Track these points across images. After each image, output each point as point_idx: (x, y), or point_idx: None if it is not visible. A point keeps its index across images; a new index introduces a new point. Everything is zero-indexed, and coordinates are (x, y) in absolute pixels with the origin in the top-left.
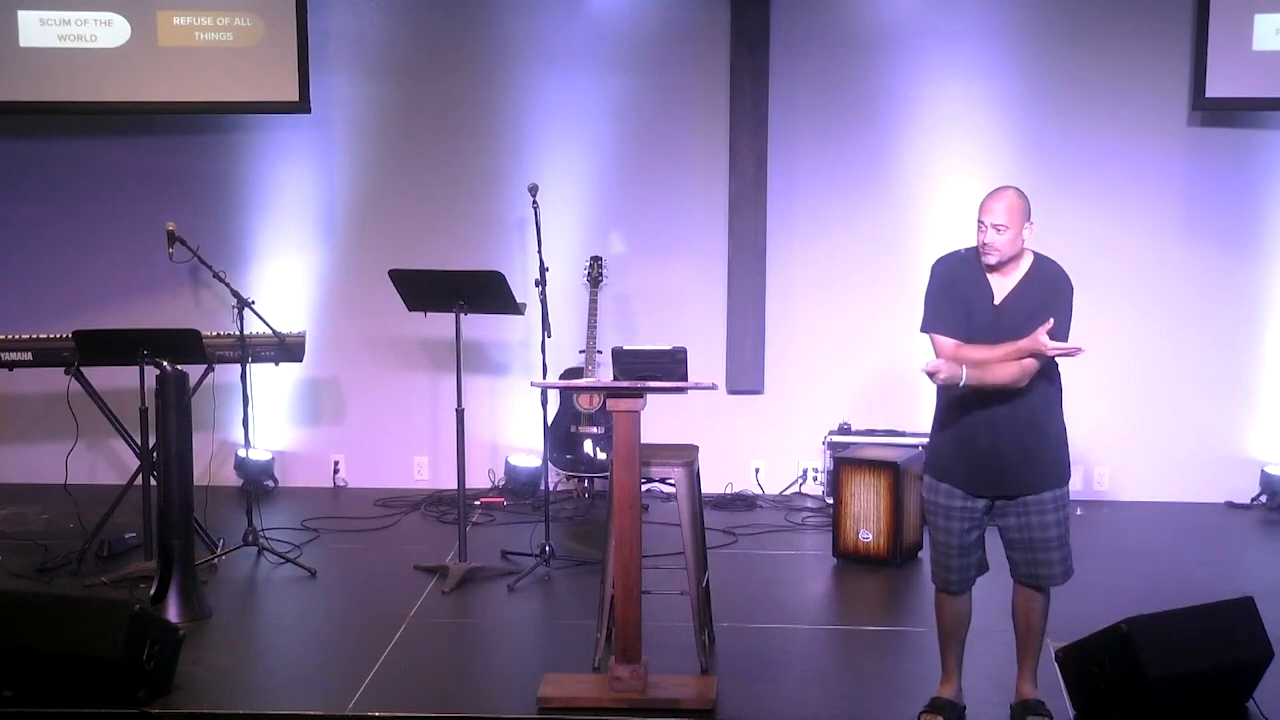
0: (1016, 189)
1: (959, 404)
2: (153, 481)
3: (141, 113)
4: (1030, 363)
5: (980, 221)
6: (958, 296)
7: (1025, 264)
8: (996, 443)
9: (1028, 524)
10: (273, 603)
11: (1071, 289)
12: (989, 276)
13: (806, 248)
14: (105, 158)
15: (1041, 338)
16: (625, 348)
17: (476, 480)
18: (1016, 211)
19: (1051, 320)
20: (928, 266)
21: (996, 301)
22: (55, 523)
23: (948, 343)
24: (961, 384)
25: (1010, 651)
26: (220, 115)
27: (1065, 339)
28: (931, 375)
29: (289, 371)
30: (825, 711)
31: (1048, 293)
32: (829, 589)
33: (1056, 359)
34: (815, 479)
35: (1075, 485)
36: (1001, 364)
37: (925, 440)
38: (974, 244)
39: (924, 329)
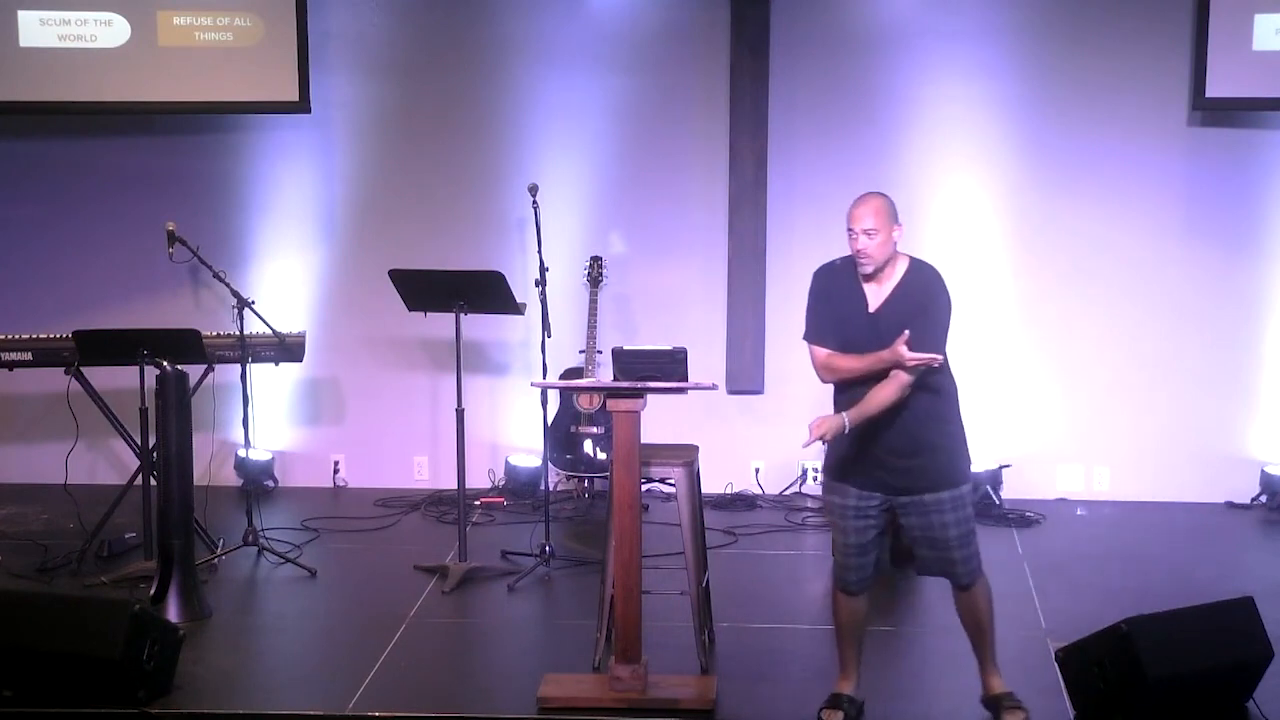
0: (881, 194)
1: (851, 407)
2: (153, 481)
3: (141, 113)
4: (903, 376)
5: (850, 230)
6: (832, 307)
7: (900, 270)
8: (888, 442)
9: (928, 523)
10: (273, 603)
11: (945, 293)
12: (865, 285)
13: (806, 248)
14: (105, 158)
15: (900, 349)
16: (625, 348)
17: (476, 480)
18: (884, 215)
19: (908, 332)
20: None
21: (871, 310)
22: (55, 523)
23: (821, 352)
24: (847, 430)
25: (1008, 650)
26: (220, 115)
27: (938, 345)
28: (822, 440)
29: (289, 371)
30: None
31: (922, 298)
32: (829, 589)
33: (948, 363)
34: (815, 479)
35: (1075, 485)
36: (878, 392)
37: None
38: (849, 253)
39: (804, 338)
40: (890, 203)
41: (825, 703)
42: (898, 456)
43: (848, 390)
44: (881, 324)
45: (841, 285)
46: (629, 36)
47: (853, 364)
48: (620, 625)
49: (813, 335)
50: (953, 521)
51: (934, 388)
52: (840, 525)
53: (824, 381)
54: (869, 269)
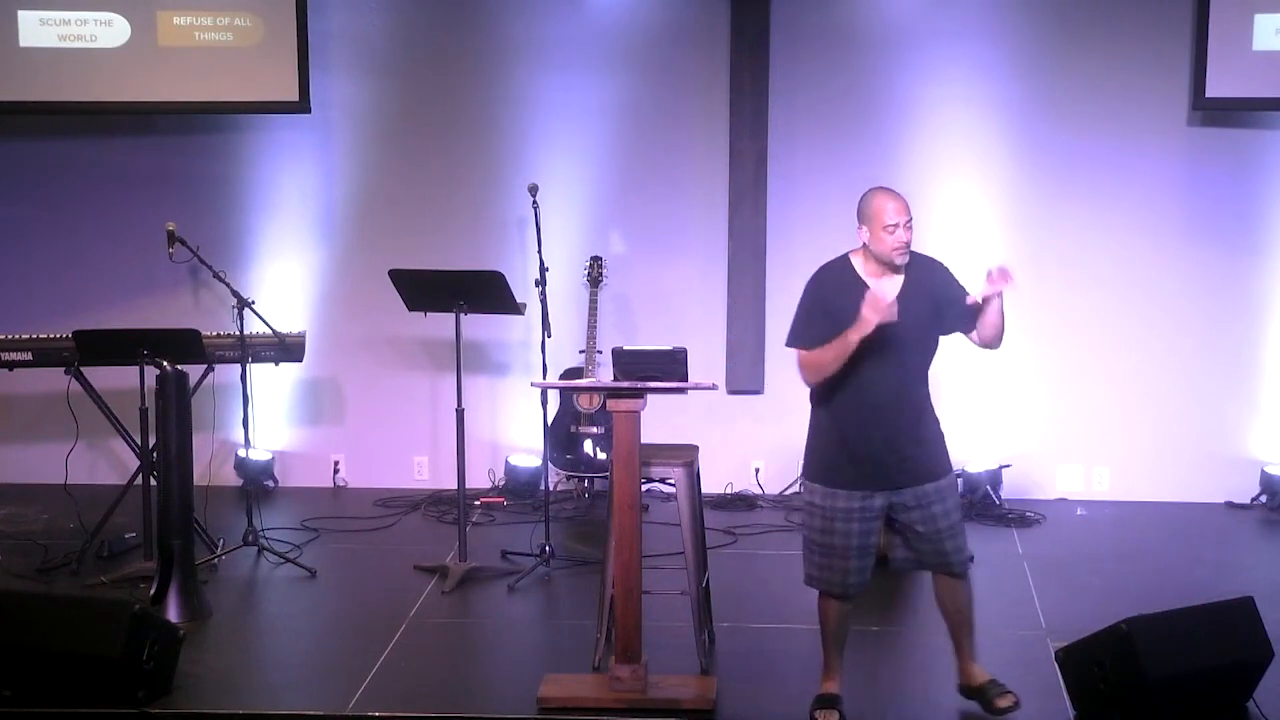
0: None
1: (848, 405)
2: (153, 481)
3: (141, 113)
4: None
5: (890, 225)
6: (834, 310)
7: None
8: (890, 435)
9: (930, 514)
10: (273, 603)
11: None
12: (870, 280)
13: (806, 248)
14: (105, 158)
15: (975, 298)
16: (625, 348)
17: (476, 480)
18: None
19: (969, 294)
20: None
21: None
22: (55, 523)
23: (801, 354)
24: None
25: (1008, 650)
26: (220, 115)
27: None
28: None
29: (289, 371)
30: None
31: (934, 272)
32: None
33: None
34: None
35: (1075, 485)
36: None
37: None
38: (839, 255)
39: (790, 344)
40: None
41: (817, 703)
42: (900, 449)
43: (839, 389)
44: (903, 314)
45: (845, 286)
46: (629, 36)
47: (824, 353)
48: (620, 625)
49: (802, 340)
50: (953, 507)
51: (926, 378)
52: (843, 530)
53: (808, 383)
54: (905, 260)
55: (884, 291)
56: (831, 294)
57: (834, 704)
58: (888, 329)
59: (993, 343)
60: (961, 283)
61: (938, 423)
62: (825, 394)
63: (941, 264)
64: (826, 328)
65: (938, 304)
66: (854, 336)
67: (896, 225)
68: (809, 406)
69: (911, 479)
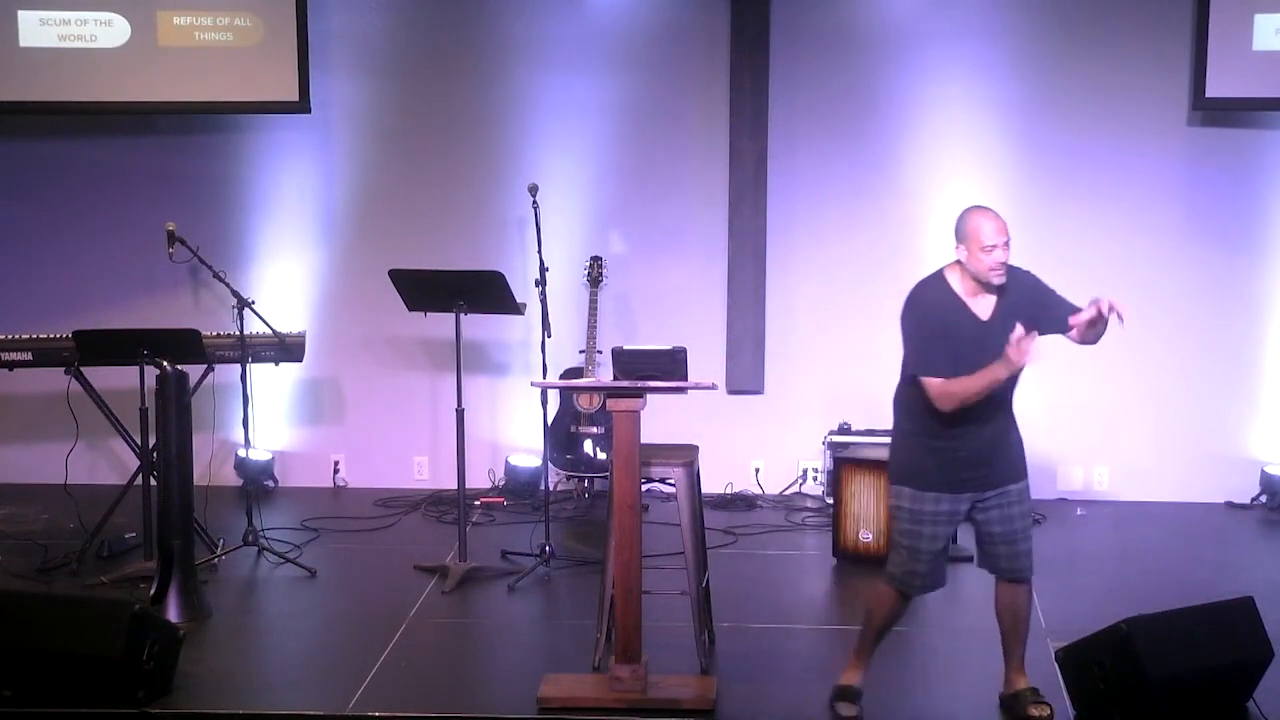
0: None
1: (945, 415)
2: (153, 481)
3: (141, 113)
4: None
5: (988, 245)
6: (943, 329)
7: None
8: (983, 442)
9: (1009, 515)
10: (273, 603)
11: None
12: (966, 299)
13: (806, 248)
14: (105, 158)
15: (1012, 351)
16: (625, 348)
17: (476, 480)
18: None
19: (1020, 329)
20: (929, 266)
21: (984, 319)
22: (55, 523)
23: (936, 382)
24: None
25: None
26: (220, 115)
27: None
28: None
29: (289, 371)
30: (825, 711)
31: (1028, 283)
32: (829, 589)
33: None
34: (815, 479)
35: (1075, 485)
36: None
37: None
38: (937, 270)
39: (914, 373)
40: None
41: (838, 694)
42: (990, 453)
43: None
44: (994, 332)
45: (946, 303)
46: (629, 36)
47: (969, 385)
48: (620, 625)
49: (926, 367)
50: (1029, 510)
51: (1015, 385)
52: (930, 533)
53: (945, 410)
54: (1002, 280)
55: (982, 310)
56: (939, 314)
57: (855, 697)
58: (990, 342)
59: (1091, 343)
60: (1051, 290)
61: (1018, 426)
62: (919, 402)
63: (1030, 273)
64: (948, 349)
65: (1032, 313)
66: (1002, 374)
67: (994, 246)
68: (893, 411)
69: (998, 480)
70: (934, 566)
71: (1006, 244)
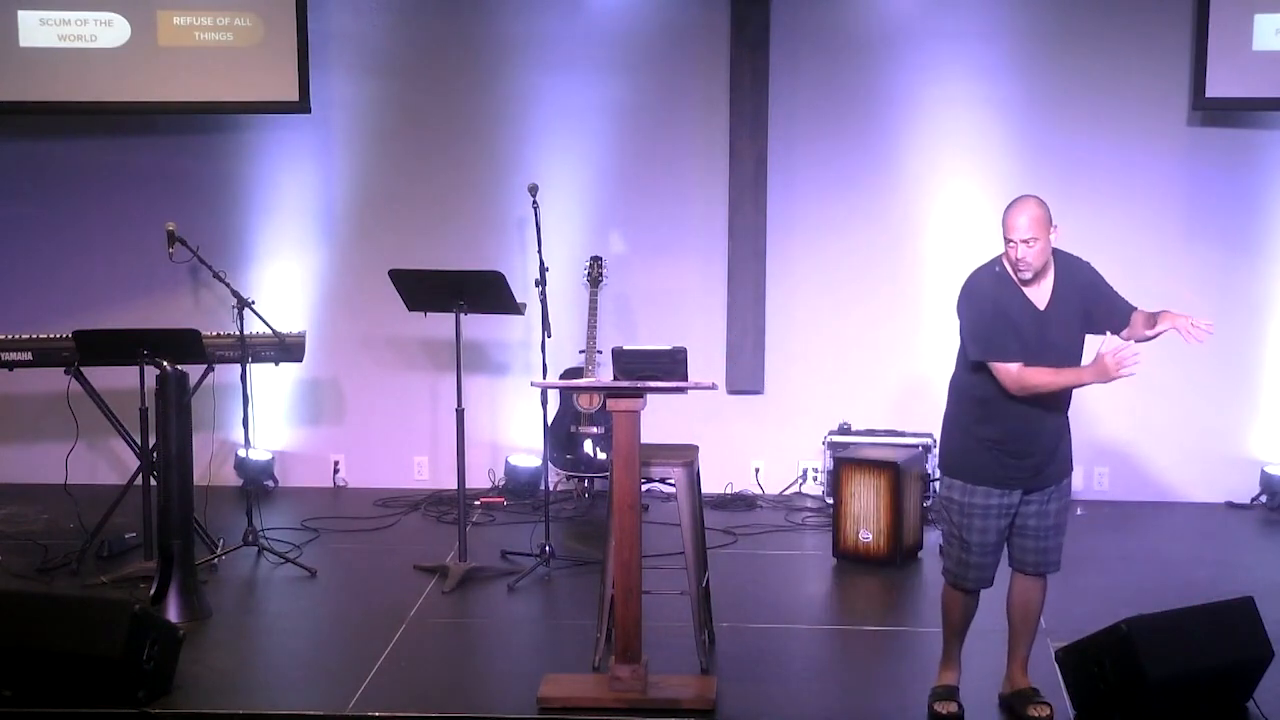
0: (1036, 198)
1: (1000, 406)
2: (153, 481)
3: (141, 113)
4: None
5: (1009, 240)
6: (1003, 315)
7: (1052, 263)
8: (1039, 435)
9: (1046, 510)
10: (273, 603)
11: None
12: (1020, 286)
13: (806, 248)
14: (105, 158)
15: (1107, 358)
16: (625, 348)
17: (476, 480)
18: (1041, 224)
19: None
20: (929, 265)
21: (1041, 308)
22: (55, 523)
23: (1012, 368)
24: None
25: (1005, 651)
26: (220, 115)
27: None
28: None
29: (289, 371)
30: (825, 711)
31: (1085, 277)
32: (829, 589)
33: None
34: (815, 479)
35: (1075, 485)
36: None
37: (925, 440)
38: (993, 257)
39: (983, 358)
40: (1045, 208)
41: (935, 695)
42: (1045, 448)
43: (992, 392)
44: (1052, 321)
45: (1004, 290)
46: (629, 37)
47: (1049, 379)
48: (620, 625)
49: (998, 352)
50: (1066, 505)
51: None
52: (981, 526)
53: (1015, 394)
54: (1029, 276)
55: (1039, 298)
56: (997, 299)
57: (953, 695)
58: (1050, 332)
59: (1145, 341)
60: (1108, 287)
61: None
62: (975, 394)
63: (1087, 264)
64: (1013, 333)
65: (1086, 305)
66: (1089, 380)
67: (1014, 243)
68: (945, 401)
69: (1051, 476)
70: (981, 562)
71: (1027, 243)
